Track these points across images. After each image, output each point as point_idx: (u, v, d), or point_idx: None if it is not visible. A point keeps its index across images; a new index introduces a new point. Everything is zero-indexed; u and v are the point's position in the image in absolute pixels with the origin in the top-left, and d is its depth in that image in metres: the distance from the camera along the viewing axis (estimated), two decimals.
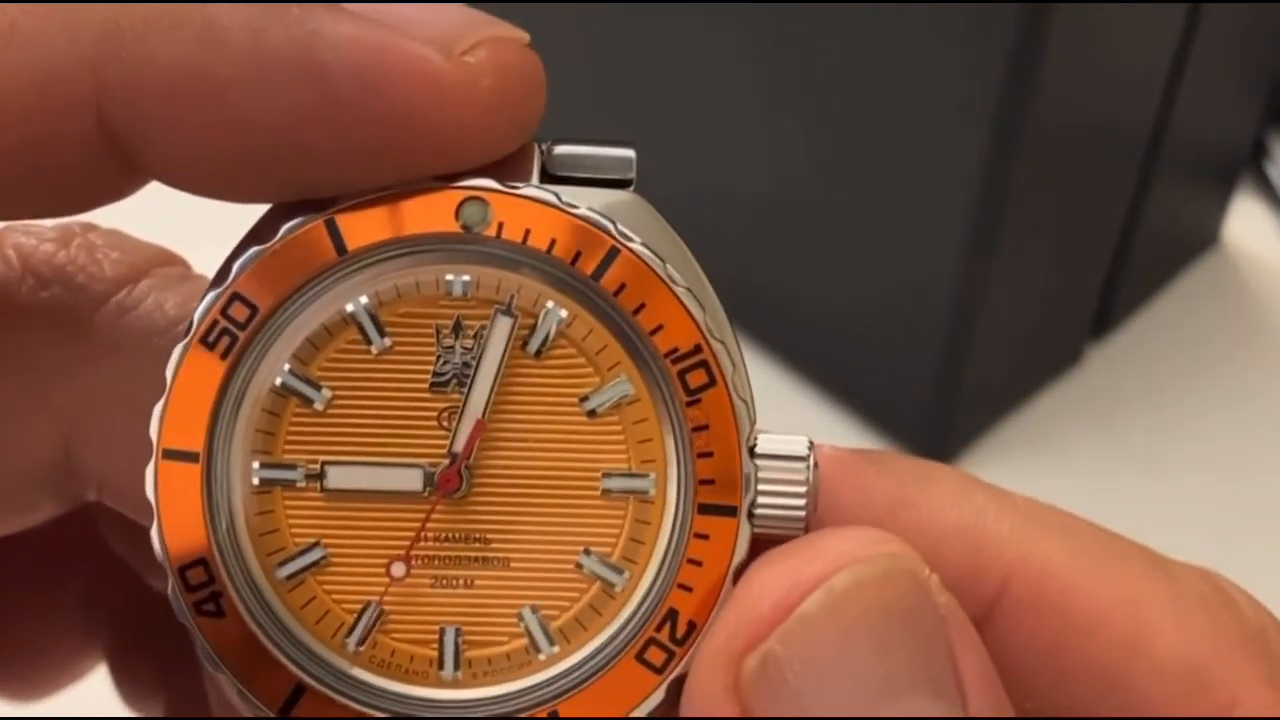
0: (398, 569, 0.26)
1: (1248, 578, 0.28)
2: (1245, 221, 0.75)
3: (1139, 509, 0.33)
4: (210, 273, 0.27)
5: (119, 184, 0.27)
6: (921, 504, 0.27)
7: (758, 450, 0.26)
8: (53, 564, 0.36)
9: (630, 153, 0.26)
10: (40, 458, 0.28)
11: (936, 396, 0.62)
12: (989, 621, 0.27)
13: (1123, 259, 0.67)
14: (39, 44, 0.24)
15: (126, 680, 0.39)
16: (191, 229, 0.30)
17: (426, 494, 0.26)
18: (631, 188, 0.26)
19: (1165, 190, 0.66)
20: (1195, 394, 0.68)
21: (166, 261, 0.30)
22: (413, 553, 0.26)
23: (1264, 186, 0.77)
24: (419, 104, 0.24)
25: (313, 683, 0.25)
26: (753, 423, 0.26)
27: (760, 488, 0.25)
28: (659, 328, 0.25)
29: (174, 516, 0.25)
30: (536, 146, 0.26)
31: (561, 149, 0.26)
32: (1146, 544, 0.28)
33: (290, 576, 0.26)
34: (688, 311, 0.25)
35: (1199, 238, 0.74)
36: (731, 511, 0.25)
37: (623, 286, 0.25)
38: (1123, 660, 0.26)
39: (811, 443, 0.26)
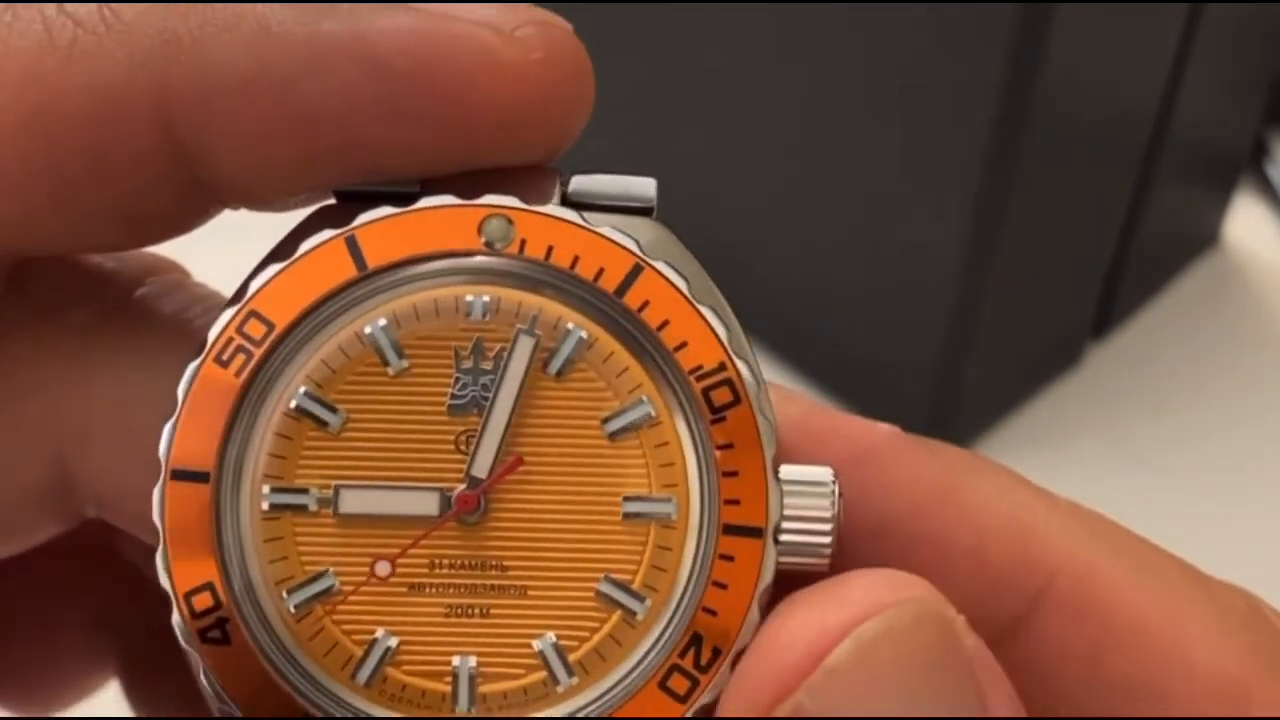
0: (382, 568, 0.25)
1: (1248, 578, 0.28)
2: (1245, 221, 0.75)
3: (1139, 509, 0.32)
4: (208, 279, 0.27)
5: (186, 206, 0.26)
6: (971, 491, 0.27)
7: (781, 477, 0.25)
8: (61, 576, 0.35)
9: (651, 180, 0.26)
10: (36, 476, 0.28)
11: (937, 396, 0.62)
12: (1030, 619, 0.26)
13: (1123, 259, 0.67)
14: (100, 57, 0.24)
15: (142, 698, 0.38)
16: (189, 236, 0.30)
17: (441, 517, 0.25)
18: (653, 215, 0.26)
19: (1165, 190, 0.66)
20: (1195, 394, 0.68)
21: (163, 269, 0.30)
22: (426, 580, 0.25)
23: (1264, 186, 0.77)
24: (475, 79, 0.24)
25: (321, 715, 0.24)
26: (777, 445, 0.25)
27: (785, 514, 0.25)
28: (682, 345, 0.25)
29: (181, 540, 0.24)
30: (557, 177, 0.26)
31: (581, 177, 0.26)
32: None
33: (299, 606, 0.25)
34: (711, 329, 0.25)
35: (1199, 238, 0.74)
36: (758, 533, 0.24)
37: (646, 304, 0.25)
38: (1161, 670, 0.26)
39: (835, 474, 0.25)
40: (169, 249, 0.31)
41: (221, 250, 0.27)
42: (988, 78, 0.53)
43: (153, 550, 0.25)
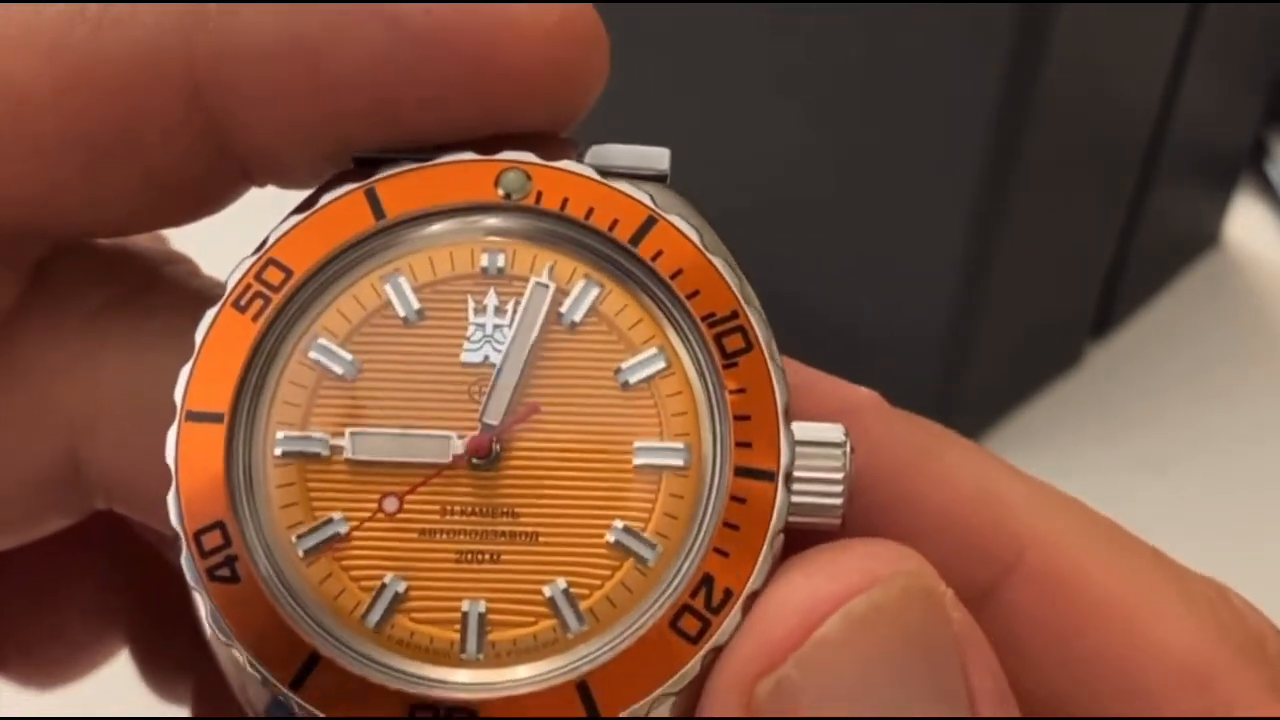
0: (390, 504, 0.25)
1: (1248, 577, 0.28)
2: (1245, 221, 0.75)
3: (1139, 509, 0.32)
4: (218, 274, 0.27)
5: (215, 180, 0.27)
6: (948, 460, 0.27)
7: (795, 437, 0.25)
8: (71, 549, 0.35)
9: (665, 151, 0.27)
10: (45, 465, 0.28)
11: (937, 396, 0.62)
12: (1000, 590, 0.27)
13: (1123, 259, 0.67)
14: (130, 25, 0.25)
15: (149, 665, 0.38)
16: (197, 232, 0.30)
17: (453, 463, 0.25)
18: (666, 183, 0.27)
19: (1165, 190, 0.66)
20: (1195, 394, 0.68)
21: (173, 261, 0.30)
22: (438, 526, 0.25)
23: (1264, 186, 0.77)
24: (494, 41, 0.24)
25: (329, 653, 0.24)
26: (788, 396, 0.25)
27: (796, 474, 0.25)
28: (695, 293, 0.25)
29: (192, 479, 0.24)
30: (574, 146, 0.27)
31: (598, 146, 0.27)
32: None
33: (309, 551, 0.25)
34: (724, 279, 0.25)
35: (1199, 238, 0.74)
36: (770, 476, 0.24)
37: (659, 253, 0.25)
38: (1128, 647, 0.26)
39: (847, 430, 0.25)
40: (186, 238, 0.31)
41: (230, 243, 0.27)
42: (988, 77, 0.53)
43: (165, 534, 0.25)
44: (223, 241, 0.31)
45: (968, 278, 0.59)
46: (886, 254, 0.61)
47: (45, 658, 0.37)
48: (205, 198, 0.27)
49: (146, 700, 0.40)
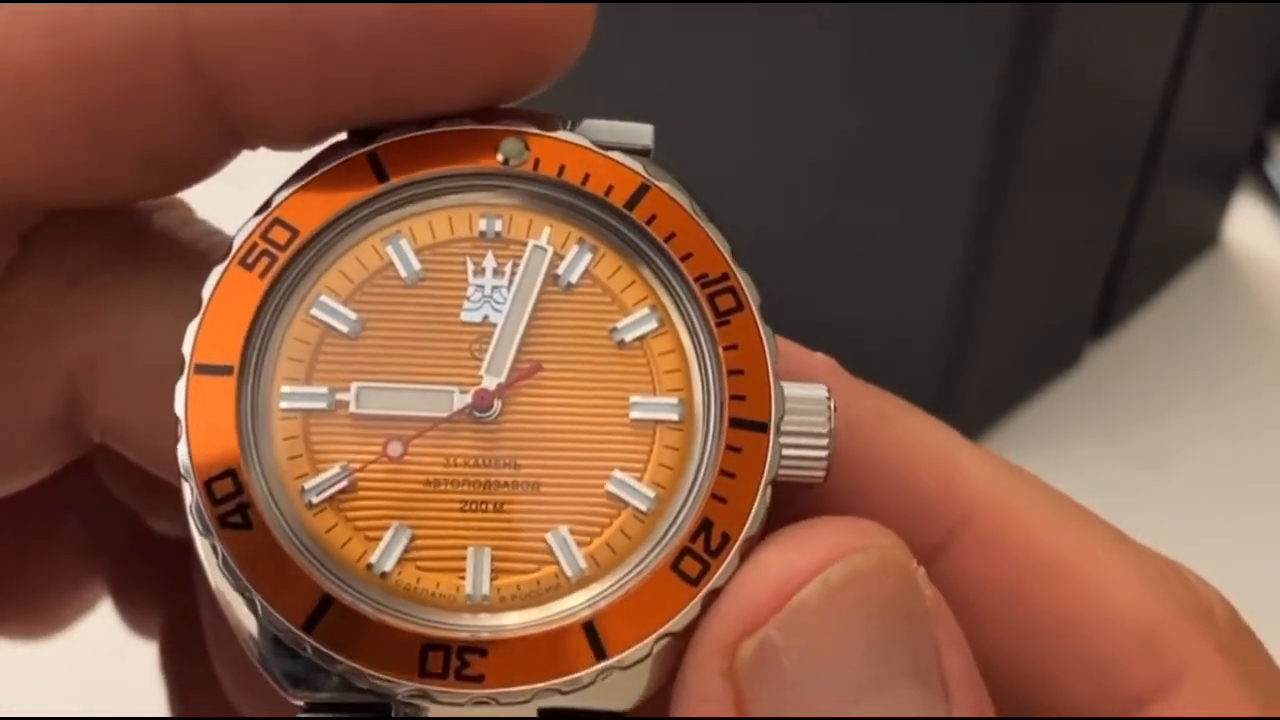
0: (394, 448, 0.25)
1: (1247, 574, 0.28)
2: (1245, 221, 0.75)
3: (1139, 509, 0.33)
4: (211, 216, 0.28)
5: (211, 146, 0.27)
6: (901, 422, 0.28)
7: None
8: (53, 509, 0.36)
9: (649, 127, 0.28)
10: (45, 415, 0.28)
11: (937, 396, 0.62)
12: (949, 549, 0.27)
13: (1123, 259, 0.67)
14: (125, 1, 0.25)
15: (126, 606, 0.39)
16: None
17: (457, 417, 0.26)
18: (650, 157, 0.27)
19: (1165, 190, 0.66)
20: (1195, 394, 0.68)
21: (166, 206, 0.30)
22: (443, 476, 0.26)
23: (1264, 186, 0.77)
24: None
25: (341, 595, 0.24)
26: (776, 354, 0.26)
27: (785, 429, 0.26)
28: (688, 255, 0.26)
29: (203, 429, 0.25)
30: (562, 122, 0.27)
31: (586, 121, 0.27)
32: (1145, 543, 0.28)
33: (315, 501, 0.25)
34: (714, 243, 0.27)
35: (1199, 238, 0.74)
36: (762, 427, 0.25)
37: (653, 218, 0.27)
38: (1079, 609, 0.27)
39: (830, 389, 0.26)
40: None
41: (222, 192, 0.27)
42: (988, 77, 0.53)
43: (142, 489, 0.25)
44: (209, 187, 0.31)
45: (968, 278, 0.59)
46: (886, 254, 0.61)
47: (37, 608, 0.38)
48: (200, 165, 0.28)
49: (148, 700, 0.40)
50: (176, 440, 0.25)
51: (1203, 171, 0.71)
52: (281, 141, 0.27)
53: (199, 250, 0.29)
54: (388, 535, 0.25)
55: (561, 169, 0.26)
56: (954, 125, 0.55)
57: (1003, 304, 0.61)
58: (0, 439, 0.28)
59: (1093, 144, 0.60)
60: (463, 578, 0.25)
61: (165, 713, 0.40)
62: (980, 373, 0.62)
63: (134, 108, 0.25)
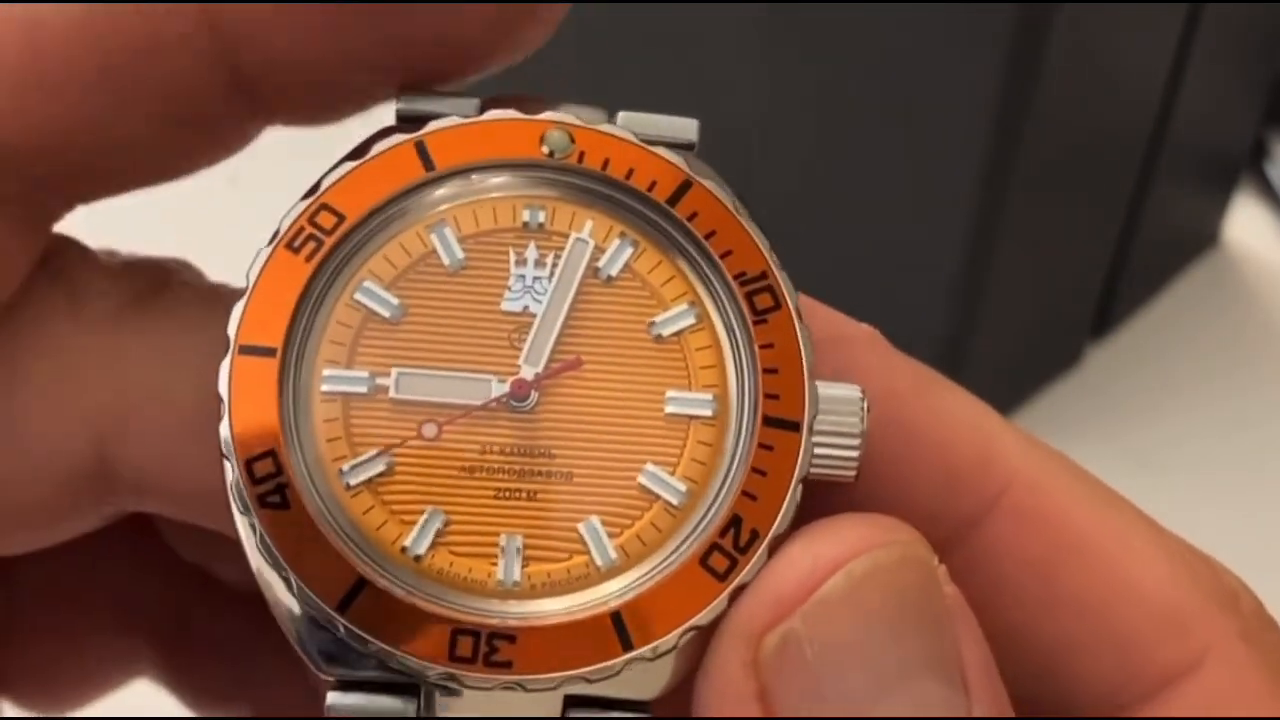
0: (429, 429, 0.26)
1: (1247, 576, 0.28)
2: (1245, 222, 0.75)
3: (1138, 507, 0.33)
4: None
5: (235, 115, 0.27)
6: (940, 393, 0.28)
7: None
8: (89, 566, 0.35)
9: (694, 121, 0.28)
10: (72, 463, 0.28)
11: None
12: (985, 522, 0.27)
13: (1123, 259, 0.67)
14: None
15: (182, 686, 0.38)
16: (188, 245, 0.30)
17: (494, 405, 0.26)
18: (694, 152, 0.28)
19: (1165, 190, 0.66)
20: (1195, 394, 0.68)
21: (184, 267, 0.30)
22: (478, 463, 0.26)
23: (1264, 186, 0.77)
24: None
25: (374, 578, 0.25)
26: (812, 354, 0.26)
27: (817, 428, 0.26)
28: (728, 253, 0.27)
29: (245, 409, 0.25)
30: (606, 114, 0.28)
31: (628, 114, 0.28)
32: None
33: (352, 484, 0.25)
34: (754, 241, 0.27)
35: (1199, 238, 0.74)
36: (795, 427, 0.26)
37: (695, 214, 0.27)
38: (1107, 587, 0.27)
39: (864, 390, 0.26)
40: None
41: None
42: (988, 78, 0.53)
43: (195, 535, 0.25)
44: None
45: (968, 278, 0.59)
46: (886, 254, 0.61)
47: (58, 680, 0.36)
48: (221, 132, 0.28)
49: (149, 701, 0.39)
50: (219, 420, 0.25)
51: (1203, 171, 0.71)
52: (306, 112, 0.27)
53: (222, 296, 0.29)
54: (422, 519, 0.25)
55: (606, 163, 0.27)
56: (953, 125, 0.55)
57: (1003, 304, 0.61)
58: (23, 485, 0.28)
59: (1093, 144, 0.61)
60: (494, 564, 0.25)
61: (167, 713, 0.39)
62: (980, 373, 0.62)
63: (152, 63, 0.25)
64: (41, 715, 0.37)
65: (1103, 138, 0.61)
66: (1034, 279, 0.63)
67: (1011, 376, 0.67)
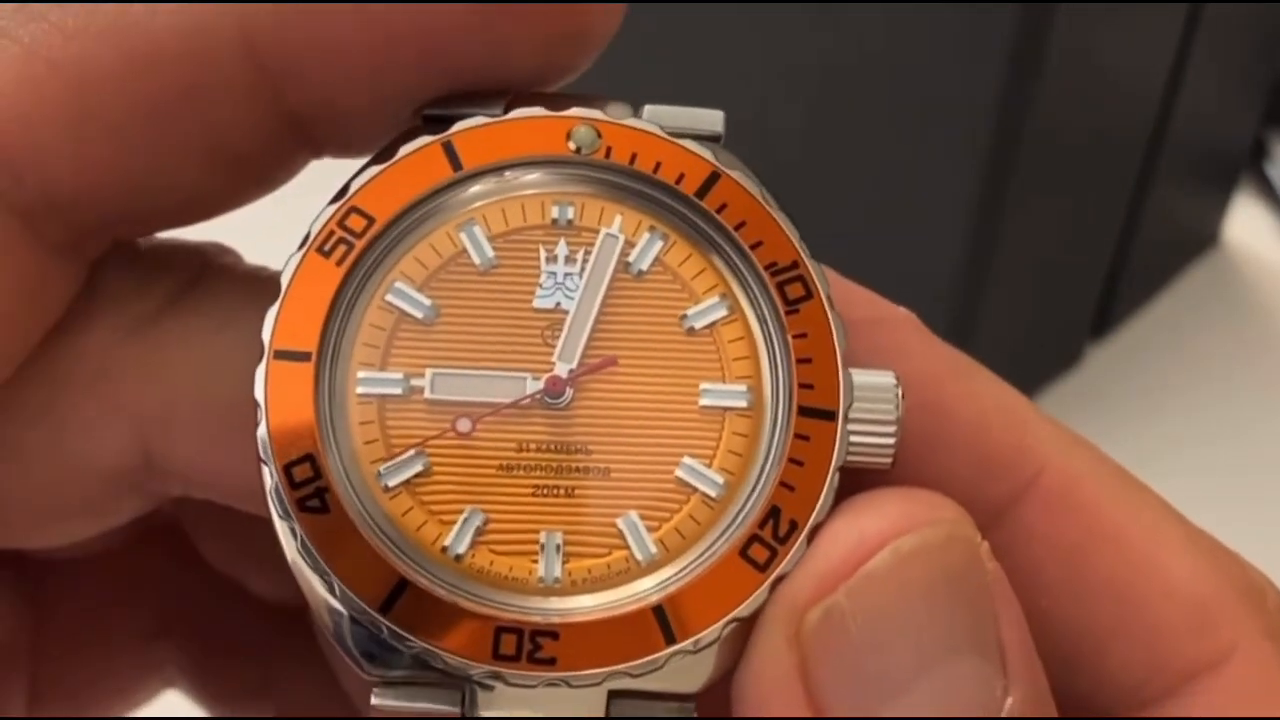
0: (463, 424, 0.26)
1: None
2: (1245, 221, 0.75)
3: None
4: (262, 261, 0.28)
5: (278, 149, 0.27)
6: (976, 376, 0.28)
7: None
8: (119, 584, 0.35)
9: (720, 113, 0.28)
10: (117, 460, 0.28)
11: None
12: (1018, 507, 0.27)
13: (1123, 259, 0.67)
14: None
15: (220, 700, 0.38)
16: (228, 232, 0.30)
17: (528, 402, 0.26)
18: (720, 144, 0.28)
19: (1165, 190, 0.66)
20: (1194, 394, 0.68)
21: (220, 253, 0.30)
22: (515, 461, 0.26)
23: (1264, 186, 0.77)
24: None
25: (416, 578, 0.25)
26: (845, 342, 0.26)
27: (853, 416, 0.26)
28: (758, 244, 0.27)
29: (282, 414, 0.25)
30: (630, 109, 0.28)
31: (654, 107, 0.28)
32: None
33: (391, 486, 0.25)
34: (784, 231, 0.27)
35: (1199, 238, 0.74)
36: (831, 416, 0.26)
37: (724, 206, 0.27)
38: (1137, 578, 0.27)
39: (898, 377, 0.26)
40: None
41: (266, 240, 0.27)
42: (988, 78, 0.53)
43: (231, 538, 0.25)
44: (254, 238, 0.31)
45: (968, 278, 0.59)
46: (886, 254, 0.61)
47: (90, 693, 0.37)
48: (267, 170, 0.28)
49: (164, 702, 0.39)
50: (256, 425, 0.25)
51: (1203, 171, 0.71)
52: (342, 132, 0.27)
53: (257, 286, 0.29)
54: (462, 519, 0.26)
55: (633, 157, 0.27)
56: (953, 125, 0.55)
57: (1003, 304, 0.61)
58: (68, 483, 0.28)
59: (1093, 144, 0.60)
60: (535, 561, 0.25)
61: (170, 712, 0.39)
62: None
63: (198, 103, 0.26)
64: None
65: (1103, 138, 0.61)
66: (1034, 279, 0.63)
67: (1012, 376, 0.66)
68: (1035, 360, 0.67)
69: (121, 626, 0.36)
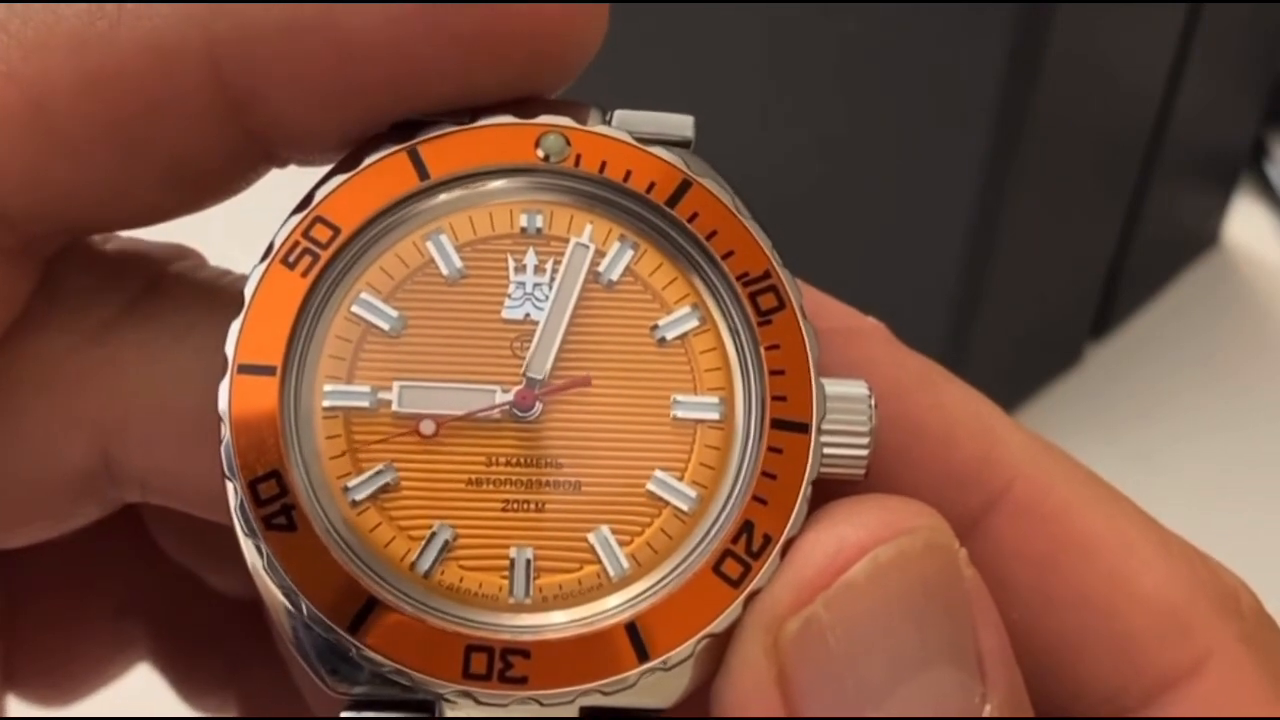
0: (427, 426, 0.25)
1: (1247, 575, 0.28)
2: (1245, 221, 0.75)
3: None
4: (223, 263, 0.27)
5: (239, 160, 0.27)
6: (945, 388, 0.28)
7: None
8: (87, 563, 0.36)
9: (689, 118, 0.28)
10: (75, 464, 0.28)
11: None
12: (987, 519, 0.27)
13: (1123, 259, 0.67)
14: (148, 15, 0.25)
15: (181, 680, 0.38)
16: (195, 227, 0.30)
17: (499, 415, 0.26)
18: (690, 149, 0.27)
19: (1165, 190, 0.66)
20: (1195, 394, 0.68)
21: (180, 256, 0.30)
22: (484, 475, 0.25)
23: (1264, 186, 0.77)
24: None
25: (385, 597, 0.24)
26: (818, 352, 0.26)
27: (826, 427, 0.26)
28: (730, 253, 0.26)
29: (246, 429, 0.25)
30: (593, 110, 0.27)
31: (624, 112, 0.27)
32: None
33: (358, 500, 0.25)
34: (756, 240, 0.26)
35: (1199, 238, 0.74)
36: (804, 428, 0.25)
37: (695, 215, 0.26)
38: (1108, 587, 0.27)
39: (870, 387, 0.26)
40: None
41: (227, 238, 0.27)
42: (988, 78, 0.53)
43: (188, 535, 0.24)
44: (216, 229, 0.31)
45: (968, 278, 0.59)
46: (886, 254, 0.61)
47: (63, 673, 0.37)
48: (227, 181, 0.28)
49: (149, 700, 0.40)
50: (220, 441, 0.25)
51: (1203, 171, 0.71)
52: (307, 149, 0.27)
53: (217, 293, 0.29)
54: (430, 535, 0.25)
55: (603, 165, 0.26)
56: (954, 125, 0.55)
57: (1003, 304, 0.61)
58: (25, 489, 0.28)
59: (1093, 144, 0.61)
60: (505, 577, 0.25)
61: (169, 712, 0.39)
62: (980, 372, 0.62)
63: (160, 120, 0.25)
64: (47, 709, 0.37)
65: (1103, 138, 0.61)
66: (1034, 279, 0.63)
67: (1011, 376, 0.67)
68: (1035, 360, 0.67)
69: (90, 604, 0.36)
